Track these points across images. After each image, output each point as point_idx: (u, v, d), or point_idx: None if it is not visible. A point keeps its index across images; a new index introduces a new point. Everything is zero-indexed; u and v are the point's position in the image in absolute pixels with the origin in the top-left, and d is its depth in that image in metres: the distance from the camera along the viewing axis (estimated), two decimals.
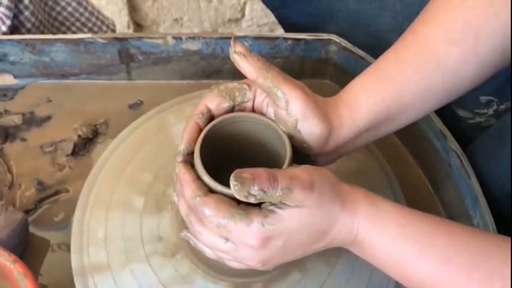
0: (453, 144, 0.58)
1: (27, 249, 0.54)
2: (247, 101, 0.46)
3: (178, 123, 0.60)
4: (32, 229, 0.55)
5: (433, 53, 0.45)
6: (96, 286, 0.49)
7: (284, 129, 0.45)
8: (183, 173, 0.43)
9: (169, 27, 1.36)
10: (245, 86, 0.46)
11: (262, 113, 0.46)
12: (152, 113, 0.61)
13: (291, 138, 0.44)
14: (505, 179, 0.54)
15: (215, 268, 0.49)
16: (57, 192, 0.59)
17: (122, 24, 1.32)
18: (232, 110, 0.46)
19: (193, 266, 0.50)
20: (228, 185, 0.40)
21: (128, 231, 0.52)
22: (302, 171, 0.41)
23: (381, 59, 0.48)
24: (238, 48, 0.43)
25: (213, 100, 0.46)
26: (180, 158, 0.44)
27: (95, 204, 0.54)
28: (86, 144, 0.63)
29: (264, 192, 0.38)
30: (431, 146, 0.61)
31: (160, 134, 0.59)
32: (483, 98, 0.64)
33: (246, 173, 0.39)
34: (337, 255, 0.50)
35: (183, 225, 0.47)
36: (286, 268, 0.49)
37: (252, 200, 0.39)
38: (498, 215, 0.54)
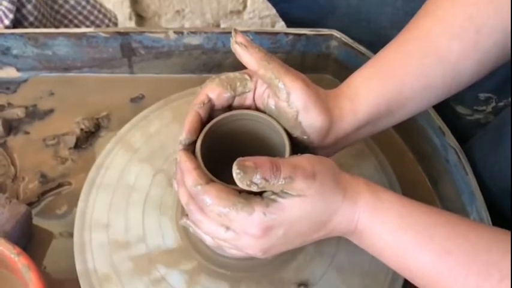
0: (451, 140, 0.58)
1: (30, 241, 0.55)
2: (248, 92, 0.46)
3: (179, 118, 0.60)
4: (35, 221, 0.56)
5: (434, 47, 0.46)
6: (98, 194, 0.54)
7: (285, 122, 0.45)
8: (184, 161, 0.43)
9: (171, 19, 1.36)
10: (246, 77, 0.46)
11: (263, 104, 0.46)
12: (154, 108, 0.62)
13: (292, 130, 0.45)
14: (502, 176, 0.54)
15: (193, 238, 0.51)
16: (60, 185, 0.59)
17: (123, 15, 1.32)
18: (233, 100, 0.46)
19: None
20: (229, 183, 0.40)
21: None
22: (304, 160, 0.41)
23: (382, 53, 0.48)
24: (239, 38, 0.43)
25: (214, 90, 0.46)
26: (181, 147, 0.44)
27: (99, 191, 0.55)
28: (88, 138, 0.63)
29: (267, 181, 0.38)
30: (430, 142, 0.61)
31: (162, 129, 0.60)
32: (482, 95, 0.64)
33: (249, 161, 0.39)
34: (336, 244, 0.51)
35: (184, 214, 0.47)
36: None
37: (254, 189, 0.38)
38: (495, 210, 0.55)
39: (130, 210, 0.54)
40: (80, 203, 0.54)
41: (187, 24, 1.37)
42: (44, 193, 0.59)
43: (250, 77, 0.46)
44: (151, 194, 0.55)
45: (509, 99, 0.64)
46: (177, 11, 1.35)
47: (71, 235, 0.53)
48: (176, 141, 0.45)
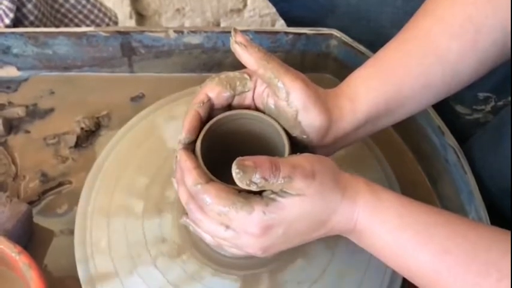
0: (450, 140, 0.58)
1: (31, 240, 0.55)
2: (248, 91, 0.46)
3: (180, 117, 0.60)
4: (36, 220, 0.56)
5: (434, 46, 0.46)
6: None
7: (284, 121, 0.45)
8: (184, 160, 0.43)
9: (171, 18, 1.36)
10: (246, 76, 0.46)
11: (262, 104, 0.46)
12: (154, 107, 0.62)
13: (291, 129, 0.45)
14: (502, 175, 0.55)
15: (223, 263, 0.50)
16: (60, 184, 0.60)
17: (124, 14, 1.32)
18: (232, 99, 0.46)
19: (201, 264, 0.50)
20: (229, 182, 0.40)
21: (130, 237, 0.52)
22: (304, 159, 0.41)
23: (382, 52, 0.48)
24: (239, 38, 0.43)
25: (214, 89, 0.46)
26: (180, 147, 0.44)
27: (95, 210, 0.54)
28: (88, 137, 0.63)
29: (266, 180, 0.38)
30: (430, 141, 0.61)
31: (163, 128, 0.60)
32: (481, 95, 0.64)
33: (248, 161, 0.39)
34: (336, 241, 0.51)
35: (184, 213, 0.47)
36: (291, 256, 0.50)
37: (254, 188, 0.39)
38: (494, 210, 0.55)
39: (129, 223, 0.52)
40: (78, 220, 0.54)
41: (187, 23, 1.37)
42: (44, 192, 0.59)
43: (250, 76, 0.46)
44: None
45: (509, 98, 0.64)
46: (177, 10, 1.35)
47: (72, 233, 0.53)
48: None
